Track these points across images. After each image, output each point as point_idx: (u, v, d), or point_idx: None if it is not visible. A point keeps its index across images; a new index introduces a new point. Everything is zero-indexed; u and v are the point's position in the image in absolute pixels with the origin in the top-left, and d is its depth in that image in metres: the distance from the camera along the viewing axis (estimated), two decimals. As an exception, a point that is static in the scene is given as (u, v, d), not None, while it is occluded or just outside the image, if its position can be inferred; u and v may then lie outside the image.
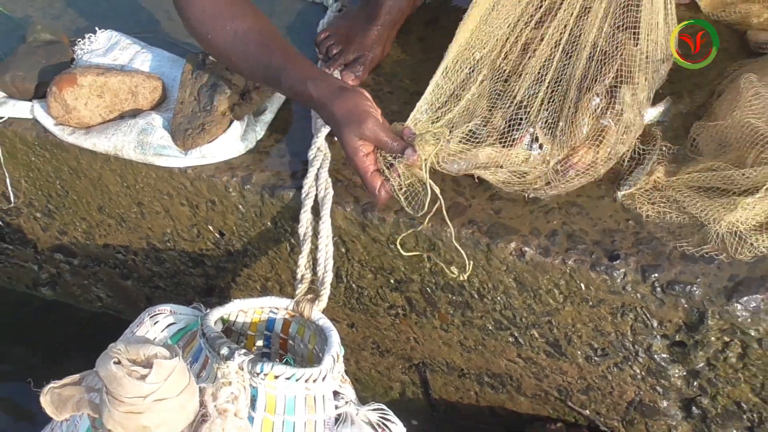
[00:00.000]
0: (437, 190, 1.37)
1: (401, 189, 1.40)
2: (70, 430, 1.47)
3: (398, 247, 1.47)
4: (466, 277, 1.48)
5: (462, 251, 1.44)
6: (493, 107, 1.52)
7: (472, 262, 1.45)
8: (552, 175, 1.47)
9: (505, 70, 1.56)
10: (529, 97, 1.52)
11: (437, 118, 1.49)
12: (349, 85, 1.46)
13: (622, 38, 1.52)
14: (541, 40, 1.54)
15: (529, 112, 1.50)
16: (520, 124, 1.48)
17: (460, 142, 1.47)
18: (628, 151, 1.51)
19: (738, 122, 1.47)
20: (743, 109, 1.49)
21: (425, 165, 1.38)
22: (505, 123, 1.50)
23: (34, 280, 2.08)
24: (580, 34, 1.53)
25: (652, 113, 1.57)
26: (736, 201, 1.38)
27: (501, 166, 1.47)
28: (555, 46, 1.53)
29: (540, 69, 1.53)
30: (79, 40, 1.85)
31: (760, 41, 1.64)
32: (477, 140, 1.48)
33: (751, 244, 1.36)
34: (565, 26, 1.53)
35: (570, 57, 1.53)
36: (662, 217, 1.43)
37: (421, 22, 1.90)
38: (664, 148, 1.51)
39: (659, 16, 1.56)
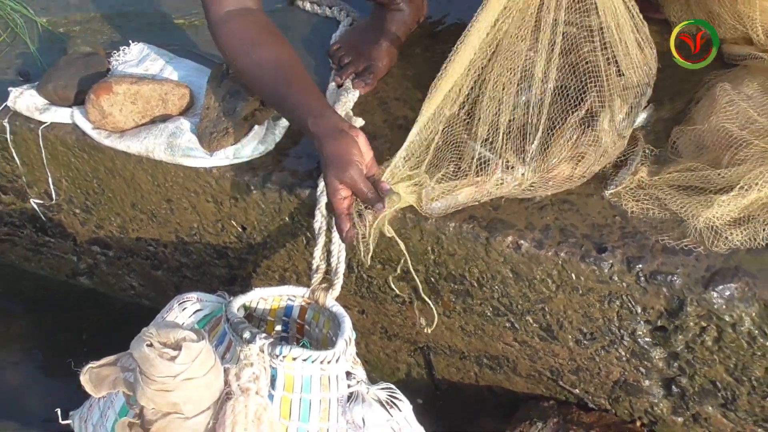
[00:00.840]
0: (402, 246, 1.42)
1: (364, 238, 1.39)
2: (107, 406, 1.47)
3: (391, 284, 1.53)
4: (430, 330, 1.54)
5: (431, 304, 1.50)
6: (461, 150, 1.49)
7: (438, 317, 1.52)
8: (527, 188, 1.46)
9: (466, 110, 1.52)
10: (493, 132, 1.48)
11: (415, 166, 1.46)
12: (347, 128, 1.43)
13: (592, 65, 1.48)
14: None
15: (495, 146, 1.46)
16: (488, 161, 1.45)
17: (439, 182, 1.45)
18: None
19: (714, 127, 1.47)
20: (719, 114, 1.49)
21: (385, 220, 1.39)
22: (475, 162, 1.46)
23: (73, 270, 2.08)
24: (544, 63, 1.48)
25: (637, 119, 1.55)
26: (712, 199, 1.38)
27: (479, 201, 1.46)
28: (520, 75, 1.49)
29: (501, 98, 1.49)
30: (114, 52, 1.85)
31: (734, 53, 1.62)
32: (455, 179, 1.46)
33: (726, 237, 1.36)
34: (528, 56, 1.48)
35: (531, 87, 1.48)
36: (646, 213, 1.43)
37: (424, 35, 1.90)
38: (646, 151, 1.51)
39: (629, 39, 1.52)
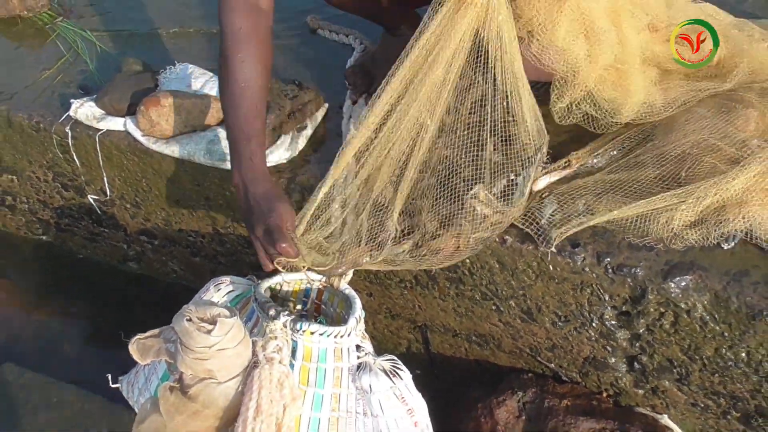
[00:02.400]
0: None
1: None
2: (151, 372, 1.48)
3: None
4: None
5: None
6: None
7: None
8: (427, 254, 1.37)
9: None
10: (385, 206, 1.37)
11: (324, 224, 1.38)
12: (277, 194, 1.37)
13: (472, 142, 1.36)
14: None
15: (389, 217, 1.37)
16: (385, 228, 1.37)
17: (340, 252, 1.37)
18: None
19: (672, 142, 1.47)
20: (677, 132, 1.49)
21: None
22: (372, 232, 1.37)
23: (123, 256, 2.08)
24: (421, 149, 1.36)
25: (539, 184, 1.45)
26: (673, 206, 1.37)
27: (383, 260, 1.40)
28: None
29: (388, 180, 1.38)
30: (161, 70, 1.86)
31: None
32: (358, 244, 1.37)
33: (683, 237, 1.36)
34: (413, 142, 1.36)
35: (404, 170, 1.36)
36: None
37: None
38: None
39: (522, 107, 1.39)
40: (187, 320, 1.22)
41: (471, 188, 1.34)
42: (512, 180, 1.37)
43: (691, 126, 1.49)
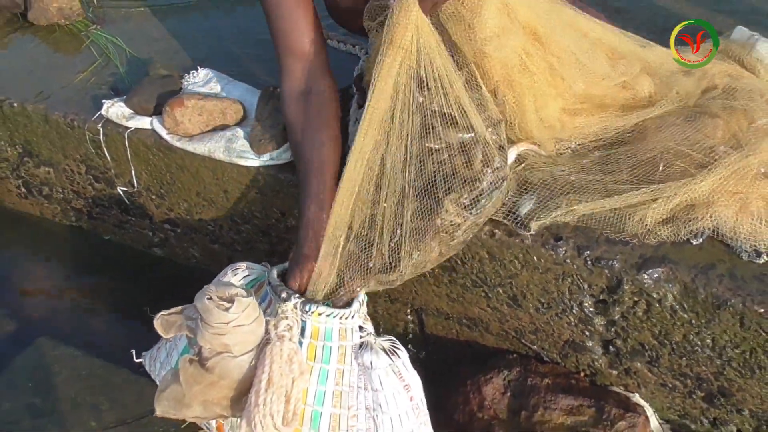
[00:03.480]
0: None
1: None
2: (172, 347, 1.49)
3: None
4: None
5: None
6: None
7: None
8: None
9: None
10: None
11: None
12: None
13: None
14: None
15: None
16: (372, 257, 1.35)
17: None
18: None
19: (645, 148, 1.46)
20: (650, 139, 1.48)
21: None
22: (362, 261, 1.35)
23: (149, 242, 2.08)
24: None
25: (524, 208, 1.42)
26: (646, 205, 1.37)
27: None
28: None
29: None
30: (185, 74, 1.85)
31: None
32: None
33: (655, 233, 1.37)
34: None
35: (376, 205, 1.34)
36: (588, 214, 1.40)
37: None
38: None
39: (476, 123, 1.35)
40: (208, 298, 1.23)
41: (441, 204, 1.33)
42: (479, 189, 1.35)
43: (663, 133, 1.48)
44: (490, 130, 1.37)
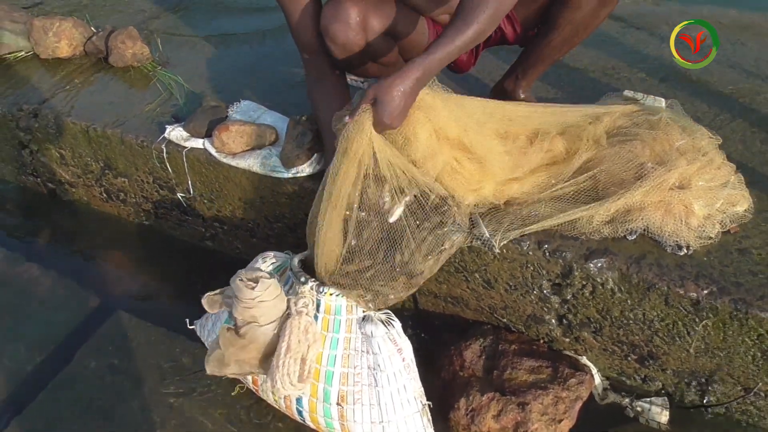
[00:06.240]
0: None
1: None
2: (217, 318, 1.50)
3: None
4: None
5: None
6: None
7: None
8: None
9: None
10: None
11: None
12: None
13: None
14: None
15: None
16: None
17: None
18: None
19: (607, 167, 1.42)
20: (612, 160, 1.43)
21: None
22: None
23: (201, 237, 2.08)
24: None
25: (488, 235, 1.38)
26: (592, 208, 1.36)
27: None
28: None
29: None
30: (230, 105, 1.85)
31: None
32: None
33: (599, 231, 1.36)
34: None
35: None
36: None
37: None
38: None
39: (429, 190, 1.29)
40: (240, 280, 1.24)
41: (403, 256, 1.29)
42: (432, 240, 1.31)
43: (607, 160, 1.44)
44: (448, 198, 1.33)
